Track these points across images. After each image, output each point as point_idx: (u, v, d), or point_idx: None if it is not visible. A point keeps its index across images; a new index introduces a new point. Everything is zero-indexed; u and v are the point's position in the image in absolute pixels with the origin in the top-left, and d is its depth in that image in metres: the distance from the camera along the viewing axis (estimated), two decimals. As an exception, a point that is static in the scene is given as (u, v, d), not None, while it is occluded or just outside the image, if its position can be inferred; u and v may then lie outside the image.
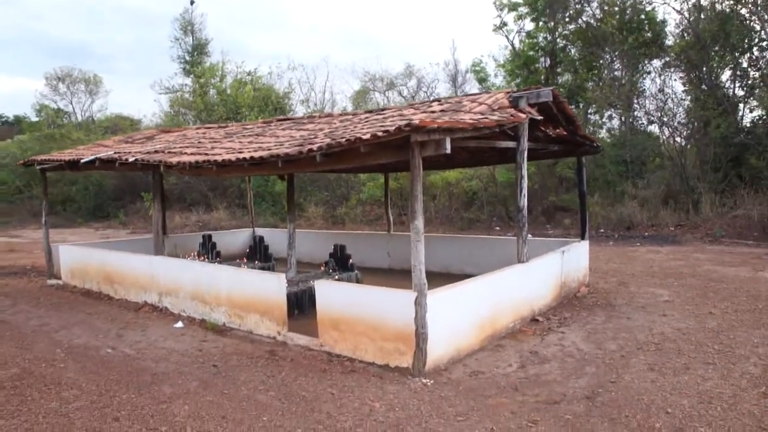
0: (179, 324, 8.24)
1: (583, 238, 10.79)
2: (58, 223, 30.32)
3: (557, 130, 9.95)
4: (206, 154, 8.17)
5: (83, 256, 11.46)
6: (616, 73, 23.91)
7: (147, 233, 18.13)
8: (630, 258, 14.26)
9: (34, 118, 44.17)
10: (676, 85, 32.04)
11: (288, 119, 10.78)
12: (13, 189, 32.99)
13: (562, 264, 9.42)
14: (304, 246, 15.02)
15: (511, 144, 8.27)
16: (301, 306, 8.89)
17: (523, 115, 7.49)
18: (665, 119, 22.27)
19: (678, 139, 22.49)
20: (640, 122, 23.76)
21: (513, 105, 7.78)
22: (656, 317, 8.29)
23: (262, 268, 11.67)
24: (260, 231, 16.94)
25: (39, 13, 66.25)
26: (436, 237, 14.19)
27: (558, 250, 9.55)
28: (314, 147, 6.31)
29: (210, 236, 13.02)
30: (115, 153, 9.62)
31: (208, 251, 12.79)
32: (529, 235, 8.66)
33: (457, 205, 23.58)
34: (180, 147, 9.36)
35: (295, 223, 11.45)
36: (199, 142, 9.72)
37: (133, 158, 8.81)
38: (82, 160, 9.53)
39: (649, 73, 23.41)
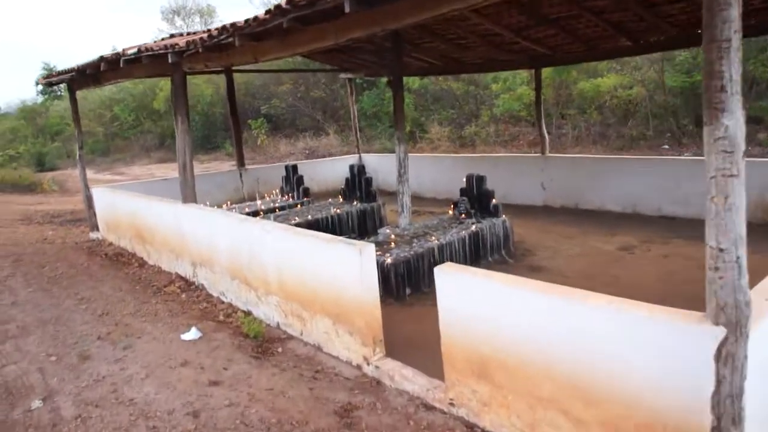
0: (191, 333, 4.71)
1: None
2: (167, 157, 29.01)
3: None
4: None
5: (114, 203, 8.40)
6: None
7: (252, 164, 15.19)
8: None
9: (158, 57, 43.64)
10: None
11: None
12: (126, 125, 32.28)
13: None
14: (426, 176, 11.32)
15: None
16: (416, 281, 5.38)
17: None
18: None
19: None
20: None
21: None
22: None
23: (362, 212, 8.23)
24: (368, 157, 13.46)
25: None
26: (612, 159, 9.97)
27: None
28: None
29: (295, 167, 9.67)
30: (127, 49, 6.38)
31: (293, 188, 9.52)
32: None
33: (613, 119, 18.55)
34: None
35: (406, 145, 7.74)
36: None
37: (134, 50, 5.50)
38: (79, 65, 6.42)
39: None
